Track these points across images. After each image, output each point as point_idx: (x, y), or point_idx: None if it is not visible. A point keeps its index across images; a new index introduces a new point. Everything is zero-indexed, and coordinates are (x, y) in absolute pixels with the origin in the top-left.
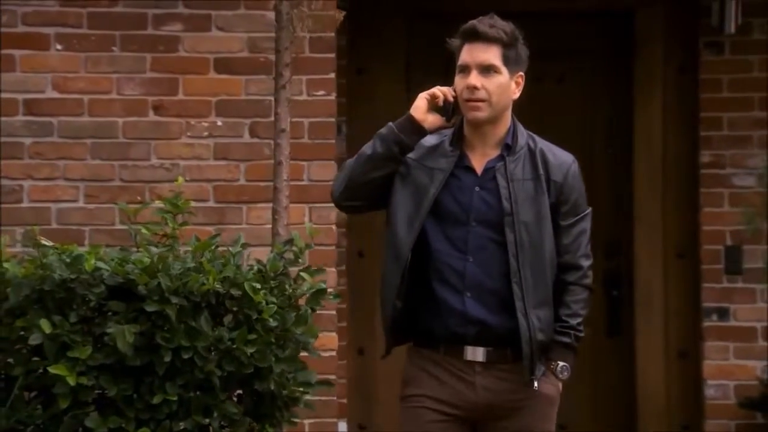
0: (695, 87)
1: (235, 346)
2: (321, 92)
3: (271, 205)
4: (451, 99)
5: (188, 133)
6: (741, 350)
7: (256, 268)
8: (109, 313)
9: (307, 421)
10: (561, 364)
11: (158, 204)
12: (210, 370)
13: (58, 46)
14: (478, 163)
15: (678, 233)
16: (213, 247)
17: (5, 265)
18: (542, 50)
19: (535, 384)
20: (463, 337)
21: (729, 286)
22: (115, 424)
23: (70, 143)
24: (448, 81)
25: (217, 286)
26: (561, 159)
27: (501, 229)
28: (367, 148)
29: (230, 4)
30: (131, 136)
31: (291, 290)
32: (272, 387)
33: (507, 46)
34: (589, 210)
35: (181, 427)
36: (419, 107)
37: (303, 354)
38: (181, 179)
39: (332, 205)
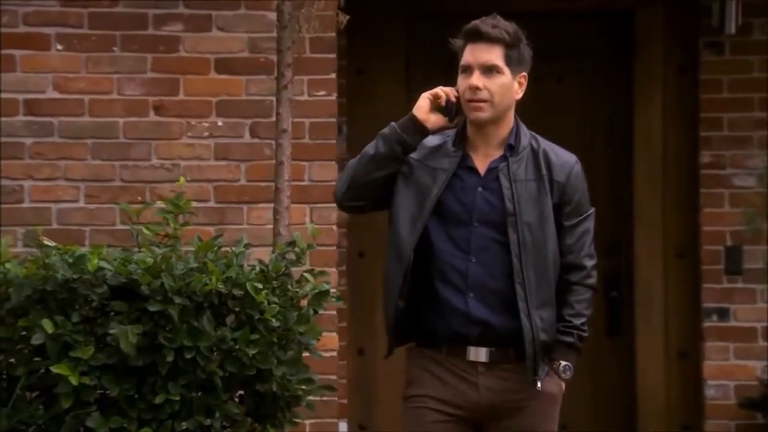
0: (695, 87)
1: (237, 347)
2: (322, 92)
3: (271, 205)
4: (453, 99)
5: (189, 134)
6: (741, 350)
7: (258, 268)
8: (112, 313)
9: (307, 422)
10: (563, 363)
11: (160, 204)
12: (212, 371)
13: (59, 47)
14: (481, 163)
15: (678, 233)
16: (216, 248)
17: (7, 265)
18: (542, 50)
19: (539, 384)
20: (466, 338)
21: (729, 286)
22: (116, 425)
23: (70, 143)
24: (448, 81)
25: (220, 286)
26: (564, 159)
27: (504, 229)
28: (369, 148)
29: (231, 5)
30: (132, 136)
31: (293, 291)
32: (274, 388)
33: (509, 46)
34: (592, 210)
35: (183, 428)
36: (422, 107)
37: (305, 354)
38: (182, 179)
39: (333, 205)
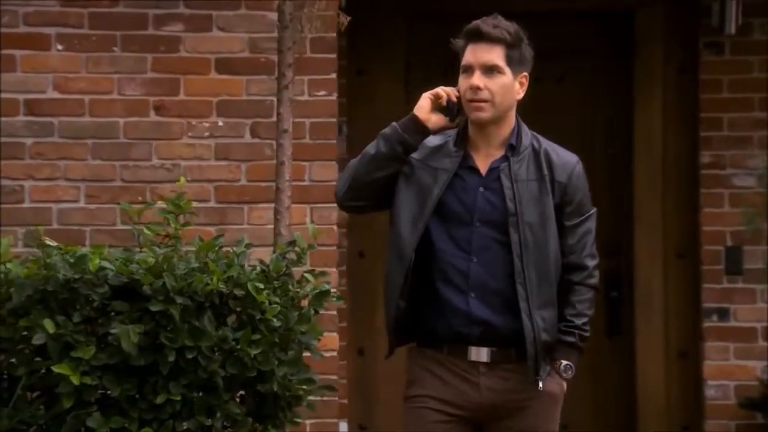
0: (695, 87)
1: (239, 347)
2: (322, 92)
3: (272, 205)
4: (454, 99)
5: (189, 134)
6: (741, 350)
7: (259, 268)
8: (112, 314)
9: (308, 422)
10: (564, 363)
11: (161, 204)
12: (213, 370)
13: (59, 47)
14: (483, 163)
15: (678, 233)
16: (217, 248)
17: (8, 265)
18: (542, 50)
19: (540, 384)
20: (467, 338)
21: (729, 286)
22: (117, 425)
23: (70, 143)
24: (448, 81)
25: (221, 286)
26: (565, 159)
27: (505, 229)
28: (370, 148)
29: (231, 5)
30: (132, 136)
31: (294, 291)
32: (275, 388)
33: (510, 46)
34: (594, 210)
35: (184, 428)
36: (423, 107)
37: (305, 354)
38: (183, 180)
39: (334, 205)
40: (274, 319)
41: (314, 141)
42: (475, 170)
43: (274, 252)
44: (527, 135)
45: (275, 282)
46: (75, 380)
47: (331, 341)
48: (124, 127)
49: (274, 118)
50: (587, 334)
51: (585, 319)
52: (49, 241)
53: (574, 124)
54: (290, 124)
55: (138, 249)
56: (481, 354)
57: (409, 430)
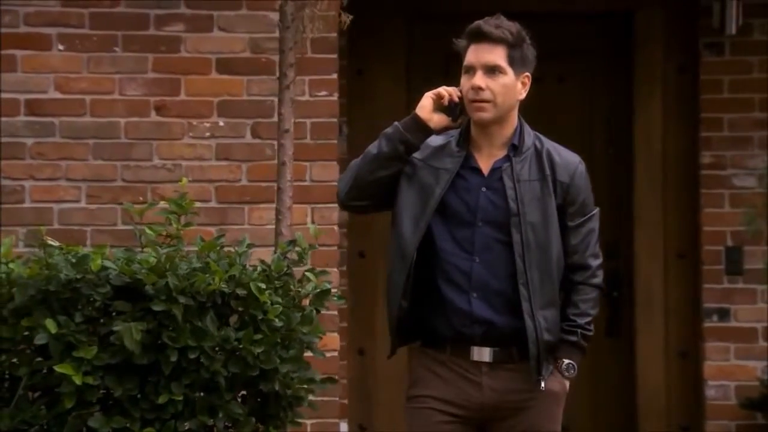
0: (695, 87)
1: (241, 346)
2: (323, 93)
3: (272, 205)
4: (456, 99)
5: (190, 134)
6: (741, 351)
7: (260, 268)
8: (114, 313)
9: (309, 422)
10: (566, 361)
11: (163, 204)
12: (216, 370)
13: (60, 47)
14: (485, 163)
15: (678, 234)
16: (218, 248)
17: (10, 265)
18: (542, 50)
19: (542, 384)
20: (470, 338)
21: (729, 286)
22: (119, 425)
23: (71, 143)
24: (448, 81)
25: (223, 286)
26: (567, 160)
27: (507, 229)
28: (373, 148)
29: (232, 5)
30: (133, 136)
31: (295, 290)
32: (277, 387)
33: (512, 46)
34: (597, 210)
35: (186, 428)
36: (424, 106)
37: (307, 354)
38: (185, 180)
39: (334, 205)
40: (276, 320)
41: (315, 141)
42: (477, 170)
43: (275, 252)
44: (529, 135)
45: (276, 282)
46: (77, 380)
47: (331, 341)
48: (125, 127)
49: (275, 119)
50: (590, 334)
51: (588, 319)
52: (51, 241)
53: (574, 124)
54: (291, 125)
55: (139, 249)
56: (483, 354)
57: (412, 430)
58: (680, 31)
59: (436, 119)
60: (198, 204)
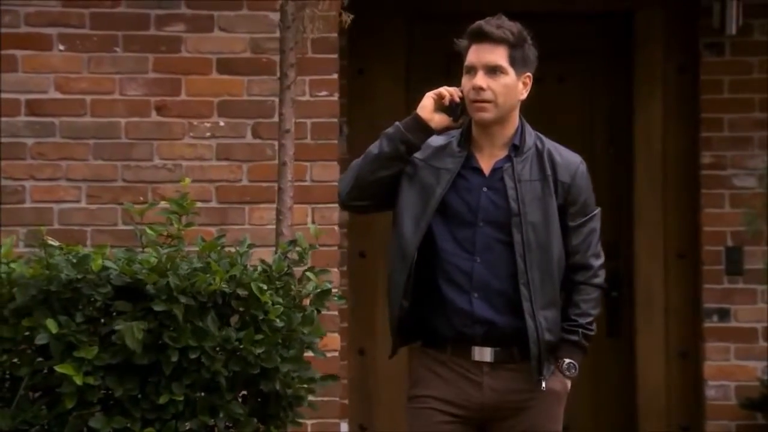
0: (695, 88)
1: (242, 346)
2: (324, 93)
3: (273, 205)
4: (457, 99)
5: (191, 134)
6: (741, 351)
7: (260, 268)
8: (115, 313)
9: (309, 422)
10: (567, 361)
11: (163, 205)
12: (216, 370)
13: (61, 47)
14: (486, 163)
15: (678, 234)
16: (219, 248)
17: (12, 265)
18: (542, 50)
19: (543, 384)
20: (471, 338)
21: (729, 286)
22: (120, 425)
23: (72, 144)
24: (449, 81)
25: (224, 286)
26: (568, 160)
27: (508, 229)
28: (374, 148)
29: (233, 5)
30: (134, 136)
31: (296, 291)
32: (277, 387)
33: (514, 46)
34: (598, 210)
35: (187, 428)
36: (426, 106)
37: (308, 354)
38: (187, 180)
39: (335, 205)
40: (277, 320)
41: (316, 141)
42: (478, 170)
43: (276, 252)
44: (531, 135)
45: (277, 282)
46: (78, 380)
47: (332, 341)
48: (125, 128)
49: (276, 119)
50: (592, 333)
51: (590, 318)
52: (51, 241)
53: (575, 124)
54: (292, 125)
55: (140, 249)
56: (484, 354)
57: (413, 430)
58: (680, 31)
59: (437, 119)
60: (199, 204)
